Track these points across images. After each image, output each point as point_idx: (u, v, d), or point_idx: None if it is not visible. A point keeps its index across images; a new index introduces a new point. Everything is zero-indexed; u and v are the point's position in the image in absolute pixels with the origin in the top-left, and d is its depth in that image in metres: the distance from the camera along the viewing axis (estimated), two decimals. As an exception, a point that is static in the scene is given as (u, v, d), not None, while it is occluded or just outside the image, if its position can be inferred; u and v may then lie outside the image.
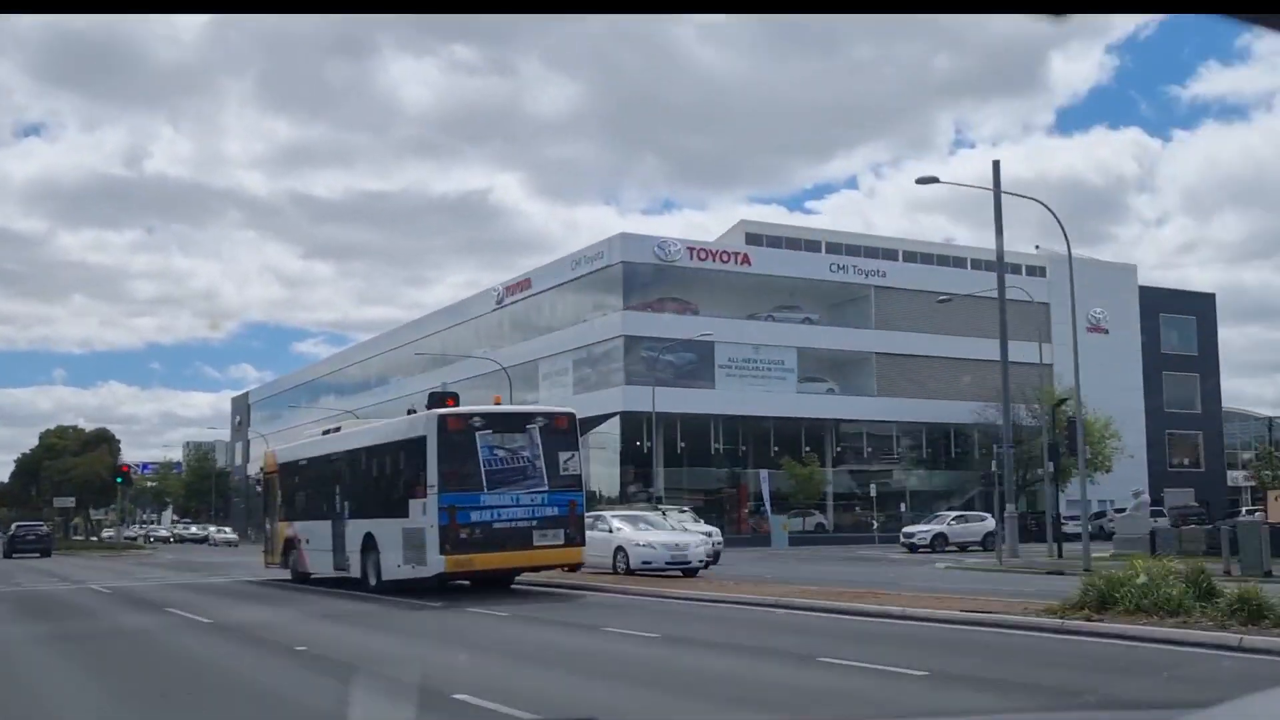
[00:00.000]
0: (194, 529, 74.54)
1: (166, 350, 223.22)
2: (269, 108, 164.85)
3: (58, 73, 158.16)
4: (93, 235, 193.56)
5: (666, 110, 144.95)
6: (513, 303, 66.52)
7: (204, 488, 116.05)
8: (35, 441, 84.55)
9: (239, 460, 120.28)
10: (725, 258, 58.51)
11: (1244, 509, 53.49)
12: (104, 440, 71.55)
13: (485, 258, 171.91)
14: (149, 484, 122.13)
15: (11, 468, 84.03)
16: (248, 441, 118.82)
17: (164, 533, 76.38)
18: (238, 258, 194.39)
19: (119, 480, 48.21)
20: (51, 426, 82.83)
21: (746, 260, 58.92)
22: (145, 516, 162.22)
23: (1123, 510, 49.18)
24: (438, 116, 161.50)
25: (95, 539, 77.11)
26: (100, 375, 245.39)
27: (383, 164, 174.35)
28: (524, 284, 65.12)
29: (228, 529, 71.68)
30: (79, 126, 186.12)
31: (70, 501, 63.32)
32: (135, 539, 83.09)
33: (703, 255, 58.20)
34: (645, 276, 57.50)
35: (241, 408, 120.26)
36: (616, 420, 56.33)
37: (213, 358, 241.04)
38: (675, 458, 57.83)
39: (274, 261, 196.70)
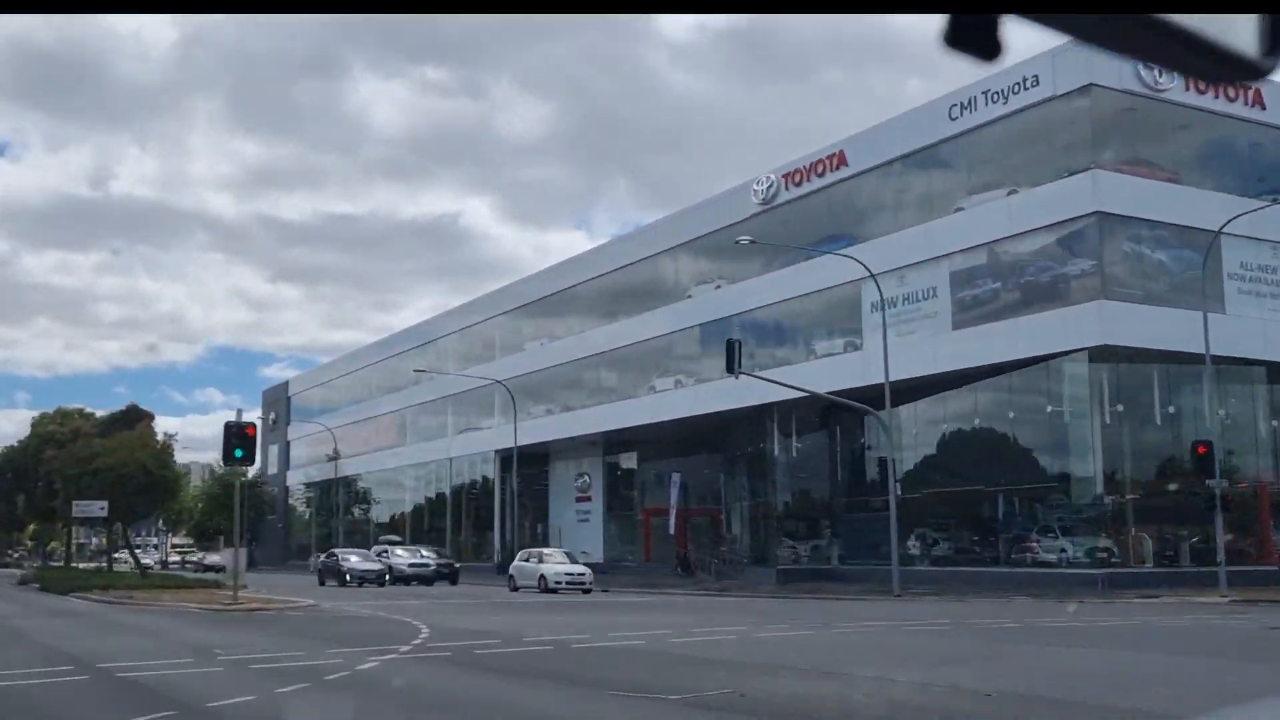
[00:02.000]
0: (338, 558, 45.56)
1: (131, 374, 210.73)
2: (237, 128, 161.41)
3: (22, 90, 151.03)
4: (57, 257, 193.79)
5: (637, 133, 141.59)
6: (796, 198, 42.57)
7: (230, 502, 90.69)
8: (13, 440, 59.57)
9: (273, 468, 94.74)
10: (1233, 94, 34.84)
11: None
12: (138, 418, 46.59)
13: (454, 282, 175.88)
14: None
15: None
16: (287, 443, 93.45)
17: (424, 558, 44.71)
18: (204, 280, 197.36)
19: (239, 454, 23.78)
20: (49, 409, 57.74)
21: (1259, 101, 35.24)
22: (138, 539, 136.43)
23: None
24: (408, 138, 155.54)
25: (133, 566, 51.70)
26: (64, 399, 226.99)
27: (352, 186, 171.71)
28: (825, 164, 41.07)
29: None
30: (44, 146, 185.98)
31: (100, 508, 38.59)
32: (214, 568, 54.45)
33: (1201, 88, 34.48)
34: (1111, 120, 33.67)
35: (277, 402, 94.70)
36: (1082, 361, 32.44)
37: (178, 382, 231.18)
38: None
39: (241, 284, 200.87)
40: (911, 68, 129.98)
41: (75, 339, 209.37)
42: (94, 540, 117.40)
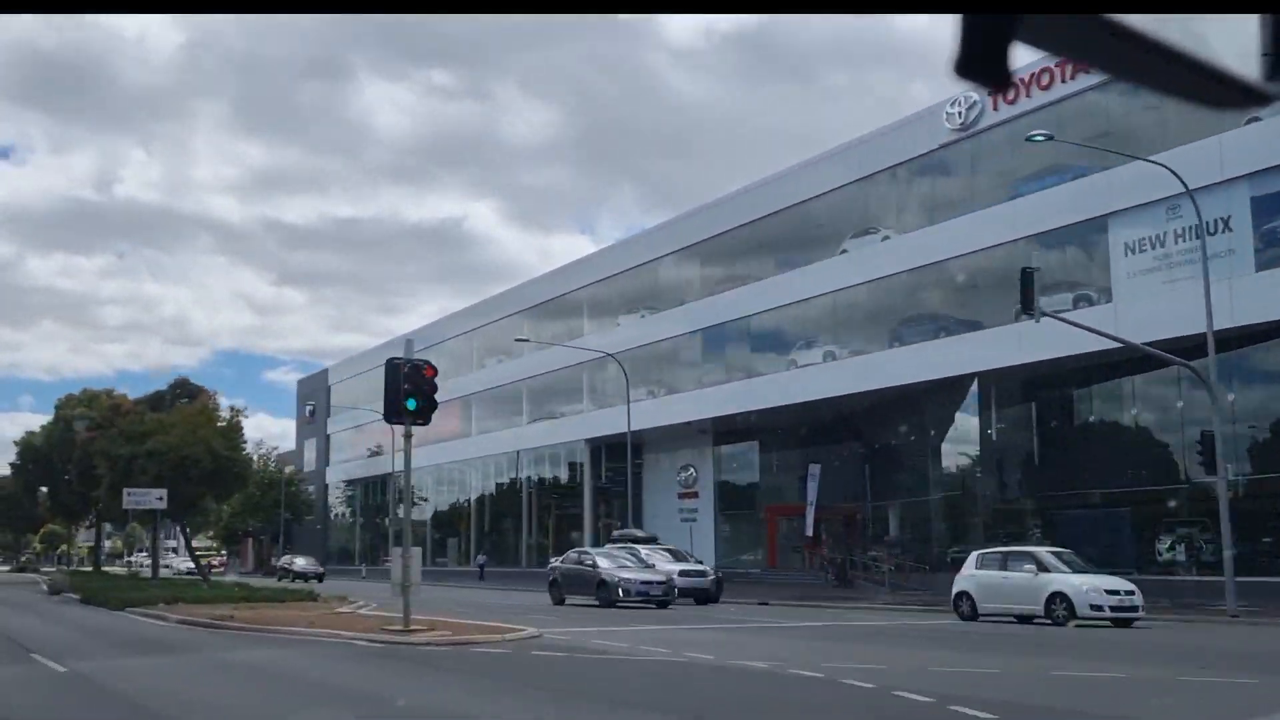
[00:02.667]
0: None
1: (136, 377, 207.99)
2: (241, 131, 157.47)
3: (26, 93, 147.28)
4: (62, 260, 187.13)
5: (641, 136, 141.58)
6: (1007, 120, 34.66)
7: (266, 501, 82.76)
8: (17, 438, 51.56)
9: (310, 464, 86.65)
10: None
11: None
12: (193, 394, 38.63)
13: (458, 285, 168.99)
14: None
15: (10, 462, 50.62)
16: (327, 437, 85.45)
17: (696, 565, 32.74)
18: (209, 284, 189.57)
19: (411, 405, 15.58)
20: (75, 391, 49.71)
21: None
22: (143, 543, 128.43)
23: None
24: (413, 142, 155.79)
25: (192, 572, 43.65)
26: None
27: (356, 190, 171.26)
28: (1051, 73, 33.08)
29: None
30: (48, 149, 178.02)
31: (157, 498, 30.47)
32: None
33: None
34: None
35: (316, 391, 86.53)
36: None
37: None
38: None
39: (245, 288, 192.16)
40: (915, 70, 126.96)
41: (79, 342, 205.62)
42: (107, 543, 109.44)
